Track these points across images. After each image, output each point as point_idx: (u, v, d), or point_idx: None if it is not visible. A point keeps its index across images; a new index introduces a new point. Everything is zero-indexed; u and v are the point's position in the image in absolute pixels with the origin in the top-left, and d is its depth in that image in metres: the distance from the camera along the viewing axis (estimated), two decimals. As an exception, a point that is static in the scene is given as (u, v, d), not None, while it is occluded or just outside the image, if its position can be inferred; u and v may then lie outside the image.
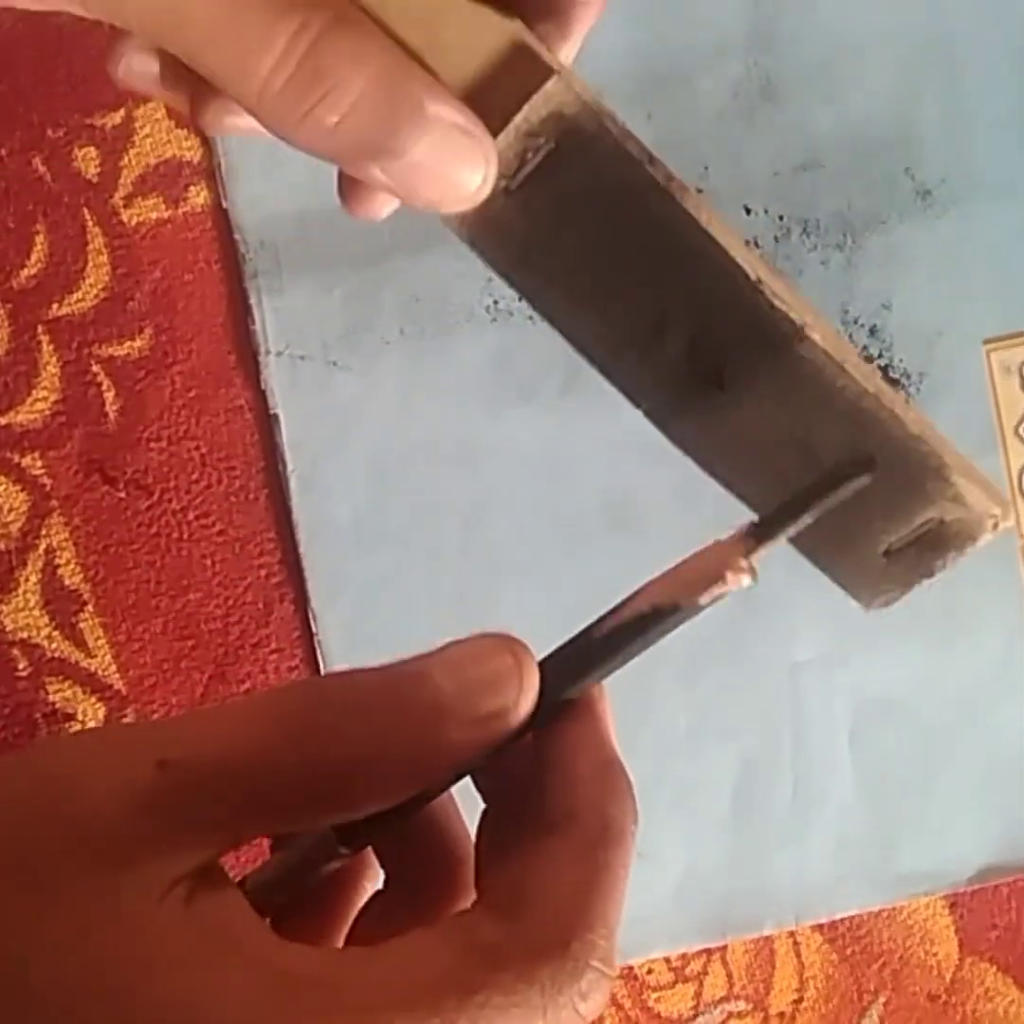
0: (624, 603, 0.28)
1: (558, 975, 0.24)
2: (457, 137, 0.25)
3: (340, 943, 0.29)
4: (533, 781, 0.27)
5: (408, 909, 0.28)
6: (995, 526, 0.27)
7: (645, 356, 0.29)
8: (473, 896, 0.27)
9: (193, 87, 0.28)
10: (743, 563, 0.27)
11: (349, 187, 0.30)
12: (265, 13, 0.23)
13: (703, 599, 0.27)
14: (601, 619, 0.28)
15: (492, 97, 0.25)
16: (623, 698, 0.49)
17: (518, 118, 0.25)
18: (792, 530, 0.28)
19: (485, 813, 0.29)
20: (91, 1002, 0.22)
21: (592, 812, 0.26)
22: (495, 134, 0.25)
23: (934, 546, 0.28)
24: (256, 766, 0.24)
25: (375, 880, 0.30)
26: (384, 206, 0.31)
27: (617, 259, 0.28)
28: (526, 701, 0.26)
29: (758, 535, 0.28)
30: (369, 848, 0.29)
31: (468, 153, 0.25)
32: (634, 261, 0.28)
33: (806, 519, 0.28)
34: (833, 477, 0.27)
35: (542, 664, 0.27)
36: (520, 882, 0.25)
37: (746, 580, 0.27)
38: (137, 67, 0.28)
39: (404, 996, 0.23)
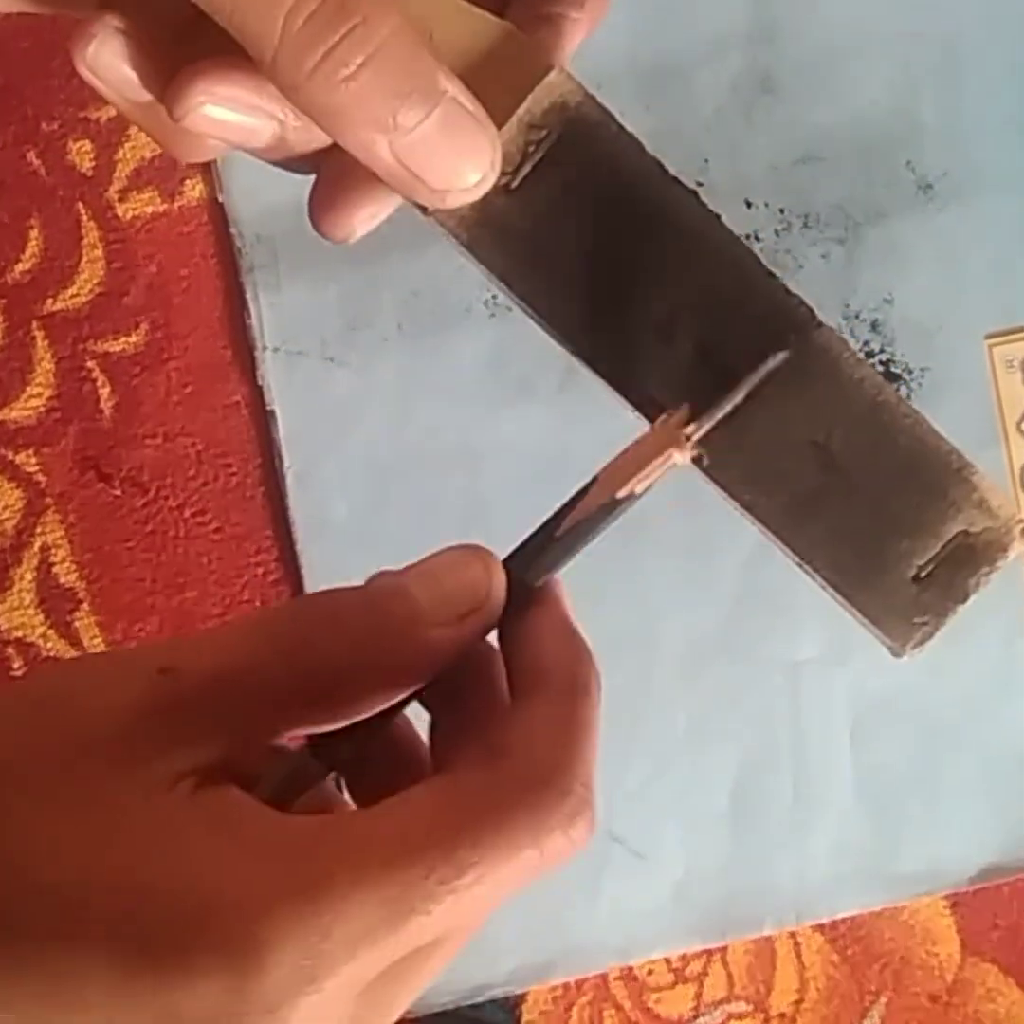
0: (580, 495, 0.30)
1: (542, 804, 0.25)
2: (466, 117, 0.25)
3: None
4: (487, 664, 0.30)
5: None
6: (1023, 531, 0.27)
7: (652, 359, 0.29)
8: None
9: (170, 73, 0.27)
10: (684, 437, 0.28)
11: (326, 200, 0.31)
12: None
13: (649, 482, 0.29)
14: (559, 513, 0.30)
15: (493, 91, 0.25)
16: (623, 697, 0.49)
17: (521, 110, 0.26)
18: (728, 405, 0.28)
19: (437, 711, 0.30)
20: (97, 889, 0.23)
21: (560, 671, 0.29)
22: (503, 120, 0.25)
23: (965, 563, 0.28)
24: (250, 674, 0.26)
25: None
26: (362, 221, 0.31)
27: (623, 253, 0.28)
28: (495, 601, 0.28)
29: (697, 413, 0.28)
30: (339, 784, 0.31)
31: (475, 136, 0.25)
32: (641, 254, 0.28)
33: (739, 392, 0.28)
34: (759, 352, 0.28)
35: (506, 561, 0.29)
36: (498, 739, 0.27)
37: (687, 457, 0.29)
38: (106, 56, 0.28)
39: (396, 845, 0.24)
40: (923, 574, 0.29)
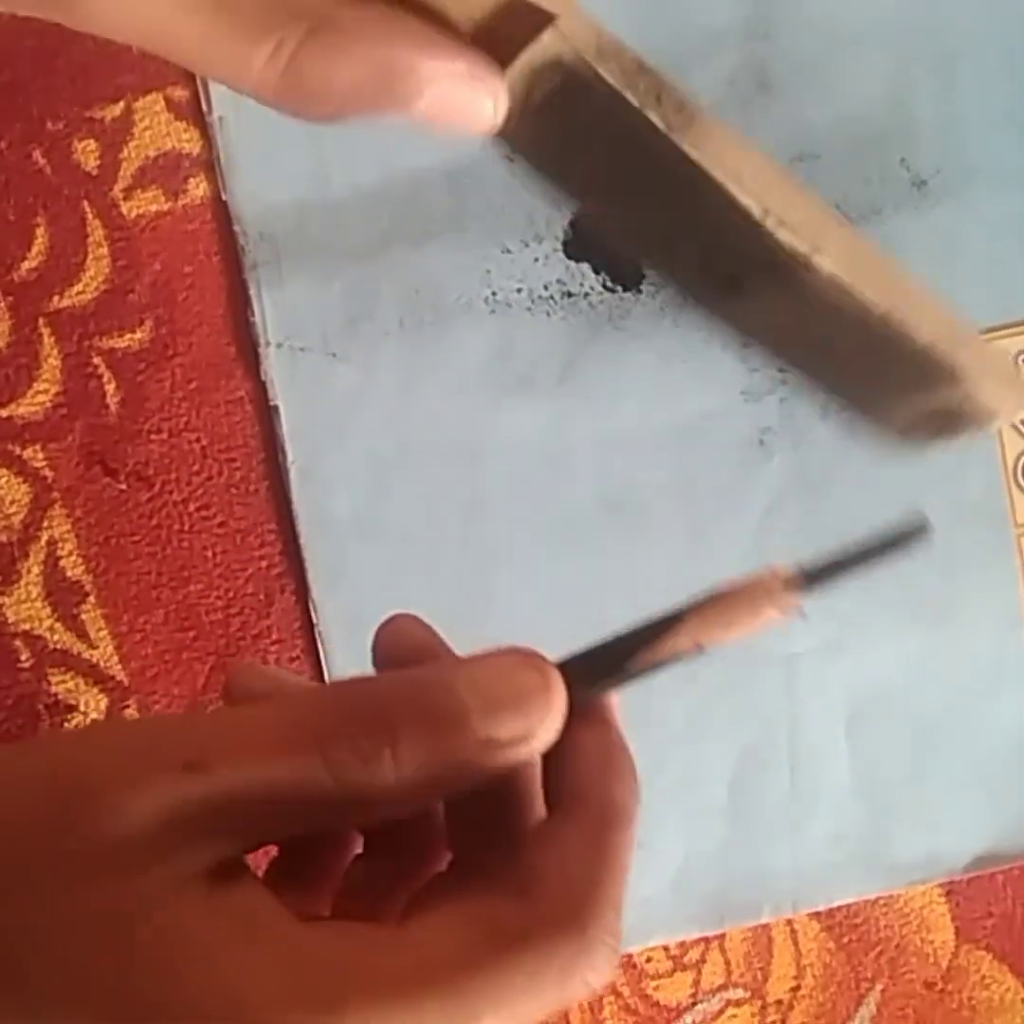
0: (661, 629, 0.28)
1: (574, 953, 0.25)
2: (460, 83, 0.27)
3: (327, 908, 0.29)
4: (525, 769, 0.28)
5: (388, 874, 0.29)
6: (1008, 420, 0.28)
7: (667, 259, 0.30)
8: (447, 857, 0.29)
9: None
10: (788, 601, 0.28)
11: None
12: (245, 35, 0.26)
13: (735, 637, 0.28)
14: (633, 639, 0.28)
15: (499, 38, 0.27)
16: (621, 691, 0.49)
17: (521, 61, 0.28)
18: (838, 583, 0.28)
19: (460, 803, 0.29)
20: (118, 1001, 0.23)
21: (599, 794, 0.28)
22: (506, 66, 0.27)
23: (952, 425, 0.29)
24: (282, 774, 0.24)
25: (356, 844, 0.30)
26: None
27: (625, 184, 0.29)
28: (549, 729, 0.27)
29: (808, 581, 0.28)
30: None
31: (473, 94, 0.27)
32: (641, 189, 0.29)
33: (855, 575, 0.28)
34: (887, 541, 0.28)
35: (563, 667, 0.28)
36: (532, 863, 0.26)
37: (785, 617, 0.28)
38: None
39: (428, 976, 0.24)
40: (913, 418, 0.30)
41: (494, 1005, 0.24)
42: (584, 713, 0.28)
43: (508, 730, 0.26)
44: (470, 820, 0.29)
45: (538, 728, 0.26)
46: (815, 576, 0.28)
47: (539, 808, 0.28)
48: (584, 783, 0.28)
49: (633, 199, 0.29)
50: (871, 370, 0.29)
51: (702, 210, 0.28)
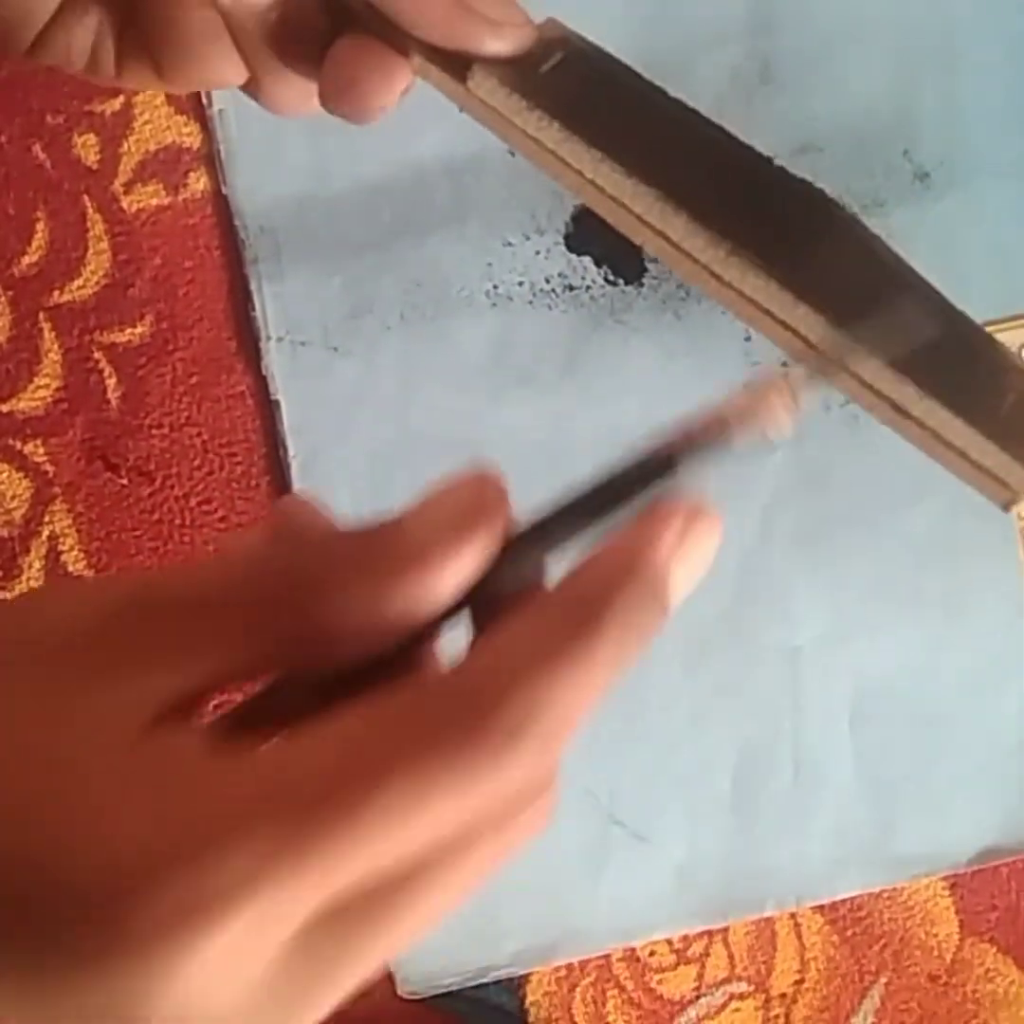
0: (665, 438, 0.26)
1: (463, 731, 0.21)
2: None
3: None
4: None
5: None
6: None
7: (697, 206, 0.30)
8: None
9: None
10: (789, 391, 0.26)
11: (345, 82, 0.33)
12: None
13: (735, 430, 0.26)
14: (624, 461, 0.26)
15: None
16: (624, 682, 0.49)
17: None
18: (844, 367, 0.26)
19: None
20: None
21: (571, 586, 0.23)
22: None
23: None
24: (225, 586, 0.23)
25: None
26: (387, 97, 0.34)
27: (642, 145, 0.31)
28: (492, 511, 0.25)
29: (811, 371, 0.26)
30: None
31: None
32: (657, 149, 0.31)
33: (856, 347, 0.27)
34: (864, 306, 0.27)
35: (564, 500, 0.26)
36: (442, 664, 0.23)
37: (788, 413, 0.26)
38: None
39: (274, 794, 0.21)
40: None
41: (371, 804, 0.21)
42: (606, 540, 0.24)
43: (449, 524, 0.24)
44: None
45: (478, 511, 0.25)
46: (819, 363, 0.27)
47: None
48: (565, 581, 0.24)
49: (655, 154, 0.30)
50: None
51: (723, 162, 0.30)
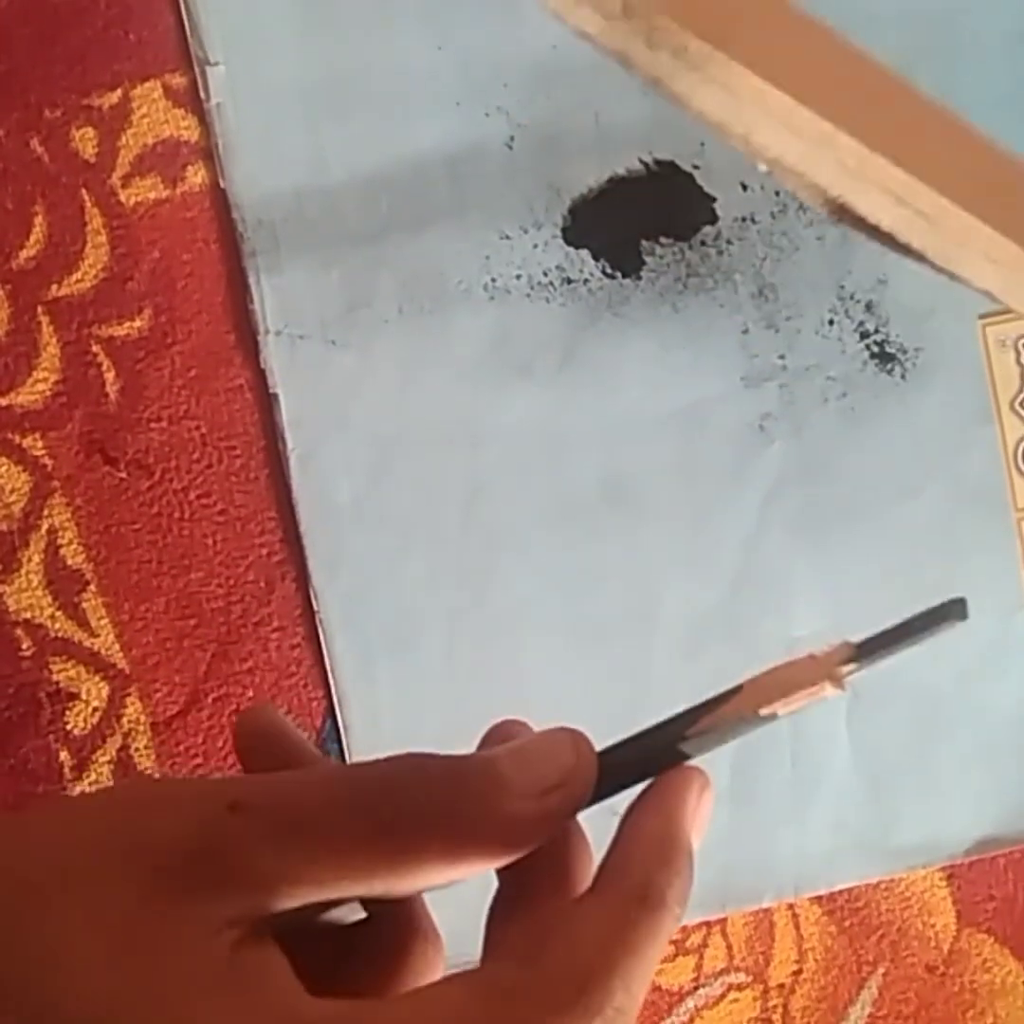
0: (717, 704, 0.29)
1: (571, 1019, 0.23)
2: None
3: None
4: (567, 854, 0.28)
5: (394, 944, 0.29)
6: None
7: None
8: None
9: None
10: (840, 674, 0.28)
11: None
12: None
13: (790, 708, 0.29)
14: (691, 714, 0.29)
15: None
16: (621, 675, 0.50)
17: None
18: (888, 658, 0.29)
19: (505, 890, 0.29)
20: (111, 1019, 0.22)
21: (635, 874, 0.27)
22: None
23: None
24: (321, 815, 0.25)
25: (435, 944, 0.30)
26: None
27: None
28: (582, 778, 0.27)
29: (858, 656, 0.29)
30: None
31: None
32: None
33: (901, 649, 0.29)
34: (929, 620, 0.30)
35: (619, 746, 0.29)
36: (545, 933, 0.25)
37: (838, 692, 0.29)
38: None
39: None
40: None
41: None
42: (643, 801, 0.28)
43: (542, 781, 0.27)
44: (506, 894, 0.29)
45: (570, 775, 0.27)
46: (865, 652, 0.29)
47: (572, 890, 0.28)
48: (622, 864, 0.27)
49: None
50: None
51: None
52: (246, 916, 0.24)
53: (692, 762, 0.29)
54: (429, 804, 0.25)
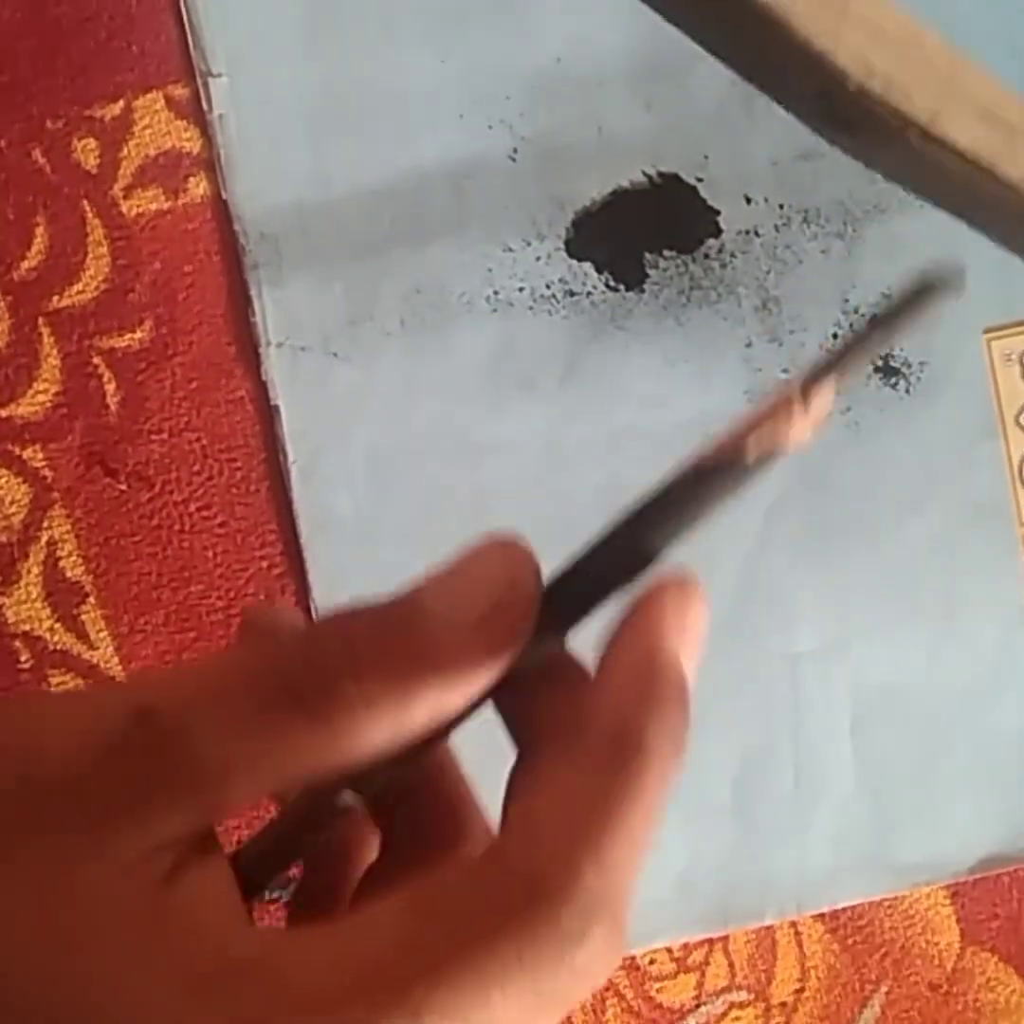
0: (678, 478, 0.24)
1: (531, 922, 0.19)
2: None
3: None
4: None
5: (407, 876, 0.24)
6: None
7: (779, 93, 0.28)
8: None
9: None
10: (798, 413, 0.23)
11: None
12: None
13: (749, 457, 0.23)
14: (650, 505, 0.24)
15: None
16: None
17: None
18: (857, 363, 0.23)
19: (517, 760, 0.24)
20: (11, 983, 0.19)
21: (603, 718, 0.22)
22: None
23: None
24: (245, 704, 0.21)
25: (374, 849, 0.27)
26: None
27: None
28: (522, 593, 0.23)
29: (814, 377, 0.23)
30: (365, 814, 0.26)
31: None
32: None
33: (874, 347, 0.23)
34: (919, 291, 0.23)
35: (579, 563, 0.24)
36: (502, 823, 0.21)
37: (801, 429, 0.23)
38: None
39: (340, 985, 0.19)
40: None
41: (439, 1011, 0.19)
42: (612, 631, 0.23)
43: (472, 608, 0.22)
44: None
45: (505, 592, 0.23)
46: (844, 355, 0.23)
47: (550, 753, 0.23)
48: (590, 710, 0.22)
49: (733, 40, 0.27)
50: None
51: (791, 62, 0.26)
52: (180, 835, 0.20)
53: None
54: (355, 661, 0.22)
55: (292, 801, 0.24)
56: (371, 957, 0.19)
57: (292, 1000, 0.19)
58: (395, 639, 0.22)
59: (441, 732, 0.23)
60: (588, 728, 0.22)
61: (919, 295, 0.22)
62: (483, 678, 0.22)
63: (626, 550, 0.24)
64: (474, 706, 0.23)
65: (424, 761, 0.24)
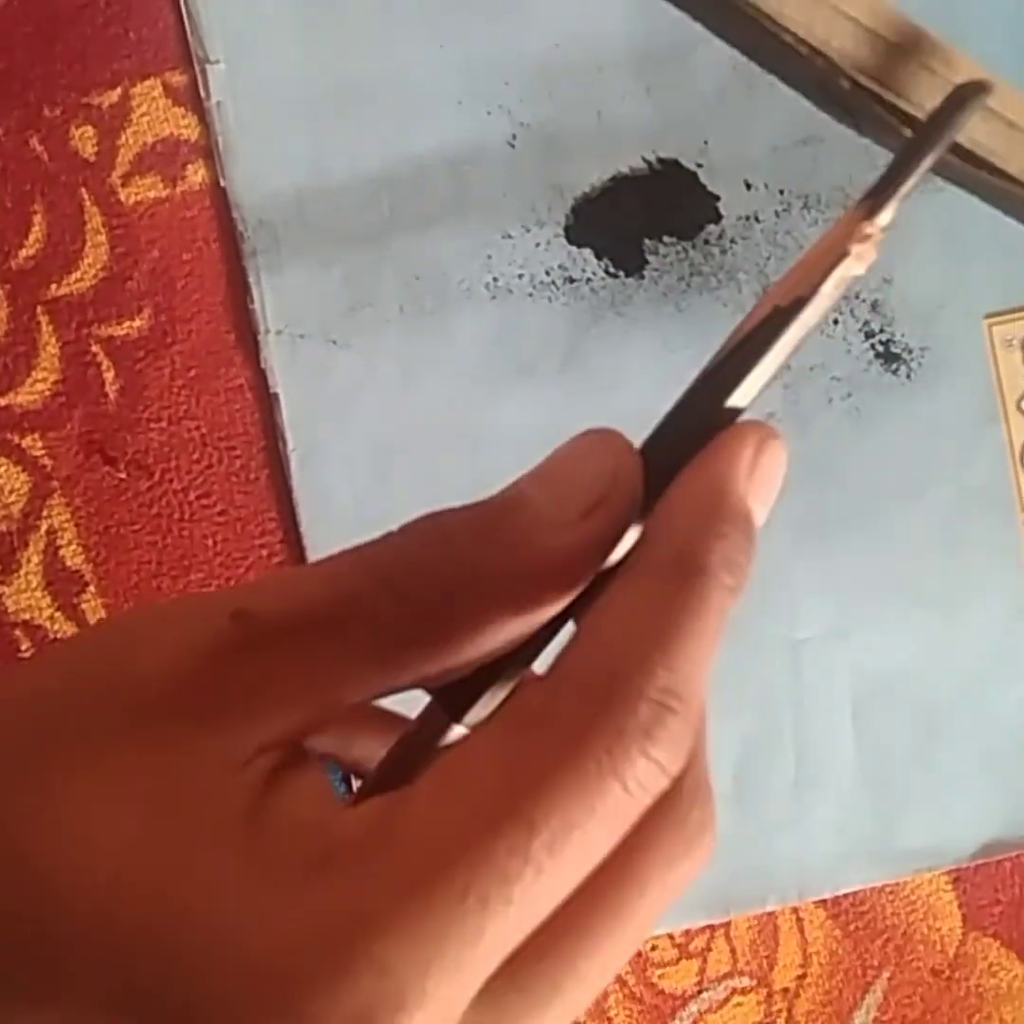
0: (743, 321, 0.24)
1: (606, 721, 0.20)
2: None
3: None
4: None
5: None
6: None
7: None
8: None
9: None
10: (867, 227, 0.23)
11: None
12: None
13: (828, 284, 0.23)
14: (723, 362, 0.24)
15: None
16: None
17: None
18: (914, 178, 0.23)
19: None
20: (129, 904, 0.19)
21: (665, 544, 0.22)
22: None
23: None
24: (346, 608, 0.21)
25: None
26: None
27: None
28: (626, 485, 0.23)
29: (878, 191, 0.23)
30: None
31: None
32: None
33: (927, 161, 0.23)
34: (943, 110, 0.24)
35: (659, 432, 0.24)
36: (570, 642, 0.21)
37: (871, 249, 0.23)
38: None
39: (450, 828, 0.19)
40: None
41: (531, 836, 0.19)
42: (684, 471, 0.23)
43: (579, 503, 0.22)
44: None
45: (611, 485, 0.22)
46: (884, 186, 0.23)
47: None
48: (653, 538, 0.22)
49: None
50: None
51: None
52: (279, 737, 0.20)
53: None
54: (460, 568, 0.22)
55: (400, 735, 0.24)
56: (471, 793, 0.19)
57: (405, 861, 0.19)
58: (499, 535, 0.22)
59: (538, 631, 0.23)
60: (650, 552, 0.22)
61: (953, 103, 0.23)
62: (586, 574, 0.22)
63: (710, 409, 0.24)
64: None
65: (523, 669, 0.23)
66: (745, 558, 0.23)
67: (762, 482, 0.24)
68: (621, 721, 0.20)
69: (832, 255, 0.23)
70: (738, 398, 0.24)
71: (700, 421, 0.24)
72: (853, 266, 0.23)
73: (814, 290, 0.23)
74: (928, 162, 0.24)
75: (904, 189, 0.24)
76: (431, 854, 0.19)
